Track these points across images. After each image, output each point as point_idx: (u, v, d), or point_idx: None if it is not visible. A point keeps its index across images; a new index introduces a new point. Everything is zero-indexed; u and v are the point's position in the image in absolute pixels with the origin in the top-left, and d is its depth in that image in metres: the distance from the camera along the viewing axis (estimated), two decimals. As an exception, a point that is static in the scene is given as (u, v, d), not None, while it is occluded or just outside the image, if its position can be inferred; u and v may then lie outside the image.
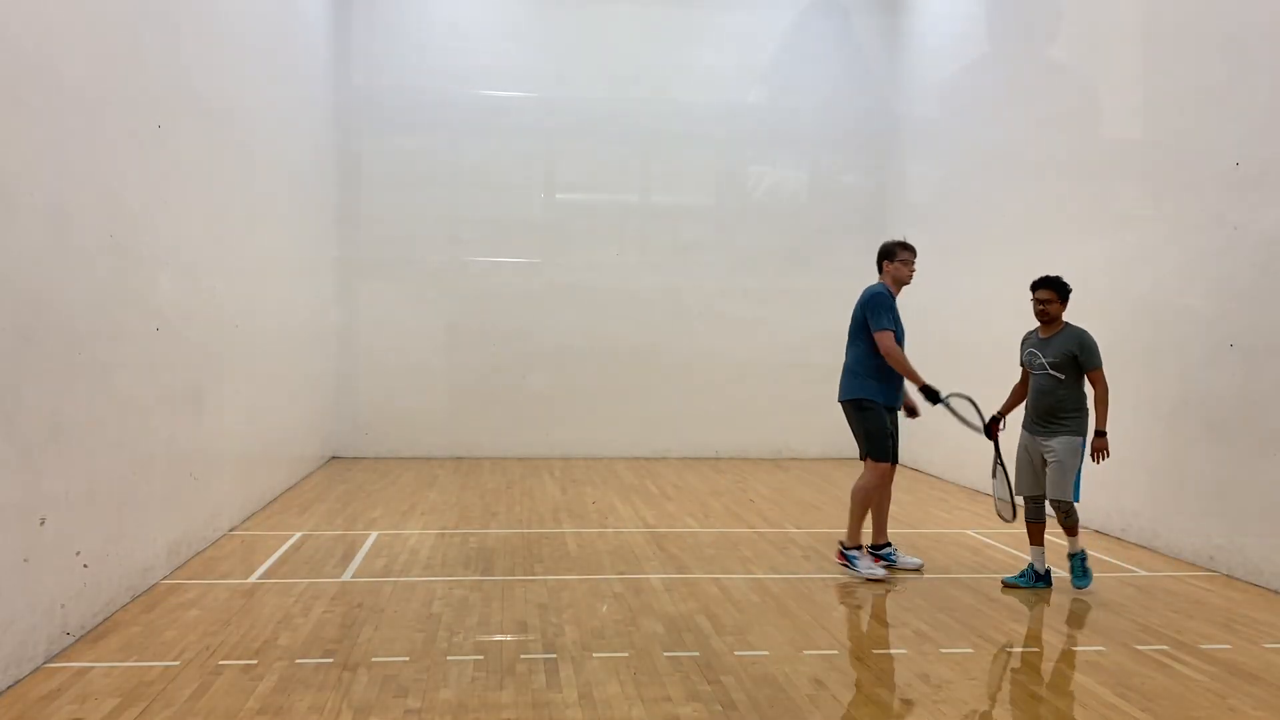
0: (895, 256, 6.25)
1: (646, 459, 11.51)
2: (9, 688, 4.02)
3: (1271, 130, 6.09)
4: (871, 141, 12.09)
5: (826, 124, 12.02)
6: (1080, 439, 5.70)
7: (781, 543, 7.10)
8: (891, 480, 6.30)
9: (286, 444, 9.14)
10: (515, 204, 11.80)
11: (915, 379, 6.09)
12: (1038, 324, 5.91)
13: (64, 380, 4.50)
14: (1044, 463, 5.79)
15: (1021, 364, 6.00)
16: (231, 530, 7.17)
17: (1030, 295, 5.88)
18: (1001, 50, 9.73)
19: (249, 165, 7.72)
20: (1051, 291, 5.81)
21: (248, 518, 7.65)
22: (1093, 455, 5.69)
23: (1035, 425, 5.81)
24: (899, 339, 6.16)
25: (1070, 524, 5.78)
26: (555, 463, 11.29)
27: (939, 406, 6.10)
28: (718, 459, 11.64)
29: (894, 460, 6.21)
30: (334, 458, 11.37)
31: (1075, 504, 5.74)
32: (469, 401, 11.70)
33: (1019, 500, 6.01)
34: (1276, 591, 5.90)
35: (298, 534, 7.17)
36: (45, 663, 4.31)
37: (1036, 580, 5.91)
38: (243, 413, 7.47)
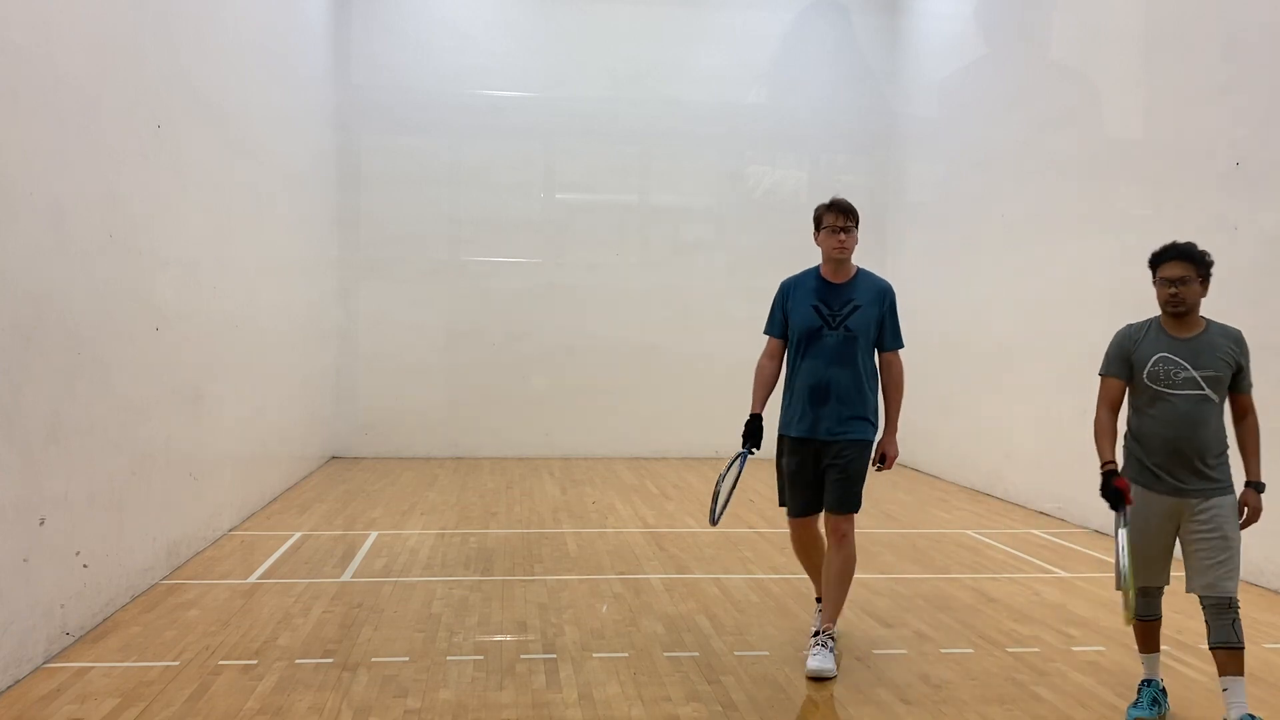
0: (820, 223, 4.58)
1: (646, 459, 11.51)
2: (9, 688, 4.02)
3: (1271, 130, 6.09)
4: (871, 141, 12.09)
5: (826, 124, 12.01)
6: (1234, 497, 3.78)
7: (781, 543, 7.10)
8: (808, 539, 4.73)
9: (286, 444, 9.13)
10: (515, 204, 11.81)
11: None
12: (1158, 316, 3.89)
13: (64, 380, 4.50)
14: (1180, 533, 3.78)
15: (1141, 381, 3.84)
16: (231, 530, 7.17)
17: (1153, 274, 3.84)
18: (1001, 50, 9.72)
19: (249, 165, 7.72)
20: (1189, 266, 3.74)
21: (247, 518, 7.64)
22: (1241, 519, 3.78)
23: (1173, 478, 3.75)
24: (804, 344, 4.51)
25: (1238, 641, 3.64)
26: (555, 463, 11.29)
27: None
28: (718, 459, 11.63)
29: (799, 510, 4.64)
30: (334, 458, 11.37)
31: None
32: (469, 401, 11.70)
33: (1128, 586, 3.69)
34: (1276, 591, 5.90)
35: (297, 534, 7.17)
36: (45, 663, 4.31)
37: (1156, 702, 3.93)
38: (243, 413, 7.46)
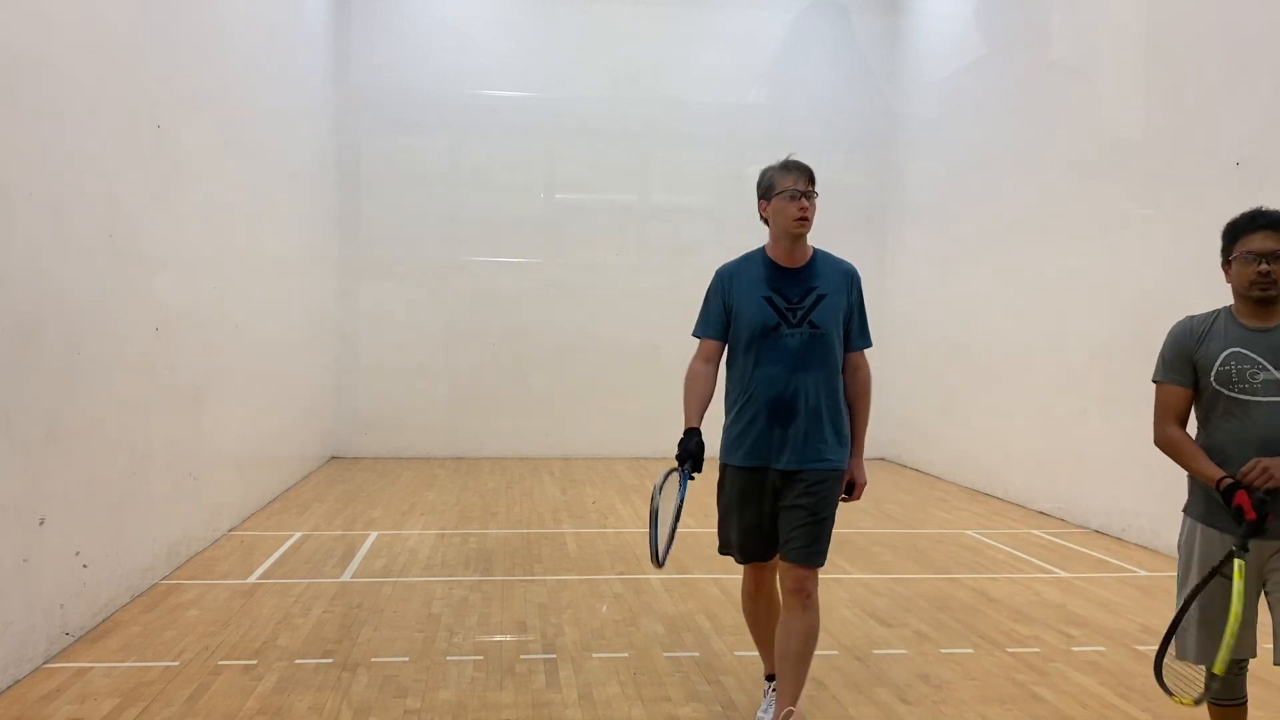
0: (772, 188, 3.57)
1: (646, 459, 11.51)
2: (9, 688, 4.01)
3: (1271, 130, 6.09)
4: (871, 141, 12.10)
5: (826, 124, 12.01)
6: None
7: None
8: (762, 596, 3.88)
9: (286, 444, 9.13)
10: (515, 204, 11.81)
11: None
12: (1227, 306, 3.03)
13: (64, 380, 4.50)
14: (1265, 586, 2.91)
15: (1208, 386, 2.97)
16: (231, 530, 7.17)
17: (1228, 250, 2.99)
18: (1001, 50, 9.73)
19: (249, 165, 7.72)
20: None
21: (247, 518, 7.64)
22: None
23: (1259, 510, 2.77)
24: (757, 347, 3.54)
25: None
26: (555, 463, 11.29)
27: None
28: (717, 459, 11.62)
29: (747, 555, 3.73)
30: (334, 458, 11.37)
31: None
32: (469, 401, 11.70)
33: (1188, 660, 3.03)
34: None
35: (297, 534, 7.17)
36: (45, 663, 4.31)
37: None
38: (243, 413, 7.46)
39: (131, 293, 5.33)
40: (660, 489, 3.50)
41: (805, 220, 3.49)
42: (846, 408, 3.60)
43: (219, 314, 6.87)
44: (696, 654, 4.60)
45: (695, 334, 3.71)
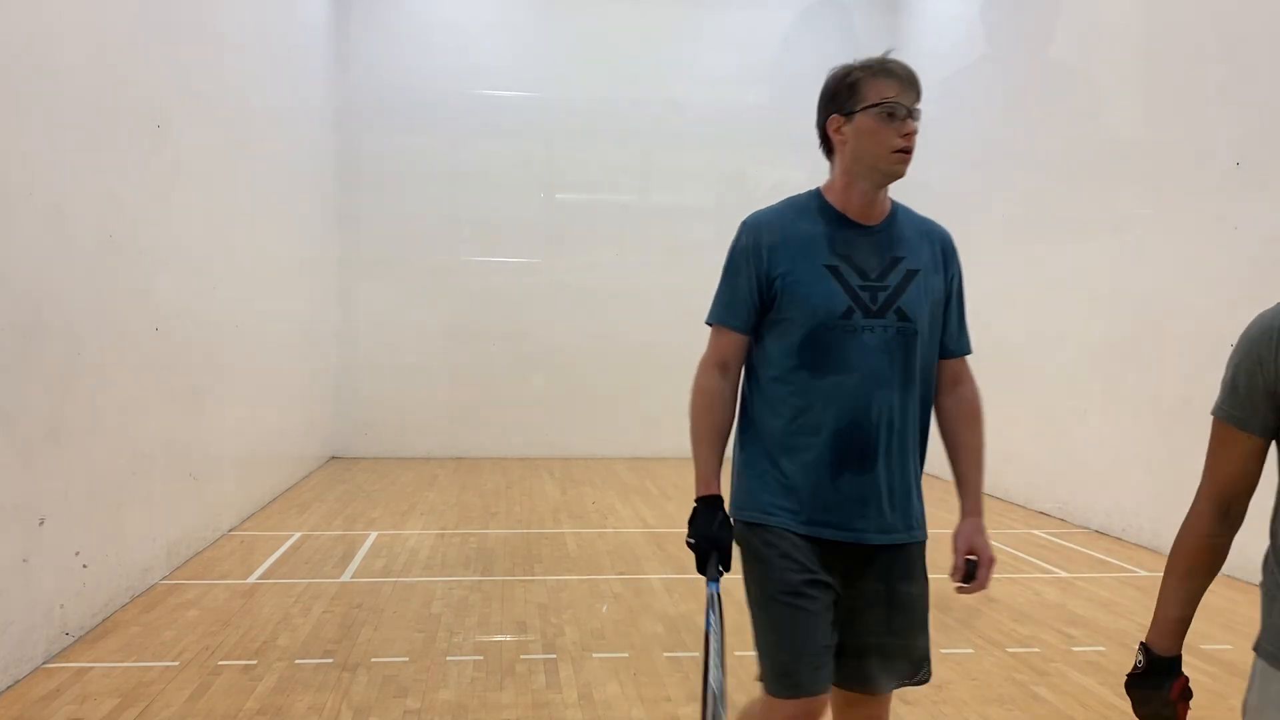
0: (858, 99, 2.37)
1: (646, 459, 11.51)
2: (8, 688, 4.01)
3: (1271, 130, 6.09)
4: (871, 141, 12.09)
5: (826, 124, 12.00)
6: None
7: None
8: None
9: (286, 444, 9.13)
10: (515, 204, 11.80)
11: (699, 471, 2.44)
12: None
13: (64, 380, 4.50)
14: None
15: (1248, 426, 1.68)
16: (231, 530, 7.17)
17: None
18: (1001, 51, 9.73)
19: (249, 165, 7.72)
20: None
21: (247, 518, 7.64)
22: None
23: None
24: (816, 345, 2.27)
25: None
26: (555, 463, 11.29)
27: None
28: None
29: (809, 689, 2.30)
30: (333, 458, 11.37)
31: None
32: (469, 401, 11.69)
33: None
34: (1276, 592, 5.90)
35: (297, 534, 7.17)
36: (45, 663, 4.31)
37: None
38: (243, 413, 7.46)
39: (131, 293, 5.33)
40: (715, 627, 2.35)
41: (909, 154, 2.36)
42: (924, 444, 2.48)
43: (219, 314, 6.87)
44: (696, 654, 4.60)
45: (711, 320, 2.42)
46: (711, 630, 2.32)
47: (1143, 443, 7.08)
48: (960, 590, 2.42)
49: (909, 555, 2.38)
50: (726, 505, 2.39)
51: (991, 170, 9.72)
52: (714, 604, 2.34)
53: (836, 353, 2.24)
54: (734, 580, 2.45)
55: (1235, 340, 1.67)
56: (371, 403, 11.57)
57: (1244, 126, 6.31)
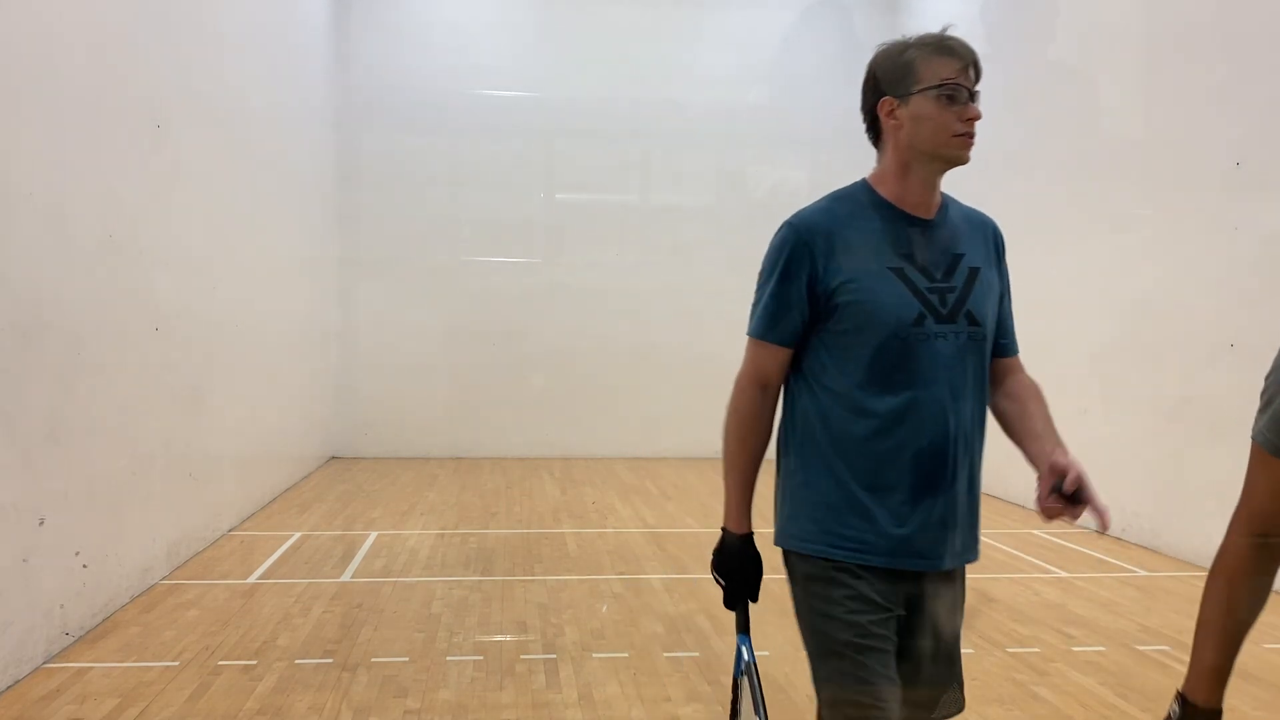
0: (914, 79, 2.21)
1: (646, 459, 11.51)
2: (8, 688, 4.01)
3: (1271, 130, 6.09)
4: (871, 141, 12.09)
5: (826, 124, 11.98)
6: None
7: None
8: None
9: (286, 444, 9.14)
10: (515, 204, 11.81)
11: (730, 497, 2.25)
12: None
13: (64, 380, 4.50)
14: None
15: None
16: (231, 530, 7.17)
17: None
18: (1001, 50, 9.72)
19: (249, 165, 7.72)
20: None
21: (247, 518, 7.64)
22: None
23: None
24: (886, 357, 2.02)
25: None
26: (555, 463, 11.29)
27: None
28: (718, 459, 11.62)
29: None
30: (333, 458, 11.37)
31: None
32: (469, 401, 11.70)
33: None
34: (1276, 591, 5.90)
35: (297, 534, 7.17)
36: (45, 663, 4.31)
37: None
38: (242, 413, 7.46)
39: (131, 293, 5.33)
40: (737, 690, 2.16)
41: (972, 139, 2.16)
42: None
43: (219, 314, 6.87)
44: (696, 654, 4.60)
45: (753, 334, 2.18)
46: (743, 690, 2.08)
47: (1143, 443, 7.09)
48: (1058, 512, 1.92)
49: (962, 575, 2.16)
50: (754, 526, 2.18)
51: (991, 170, 9.71)
52: (740, 660, 2.10)
53: (910, 364, 2.01)
54: (773, 586, 2.18)
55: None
56: (371, 403, 11.57)
57: (1244, 126, 6.31)
